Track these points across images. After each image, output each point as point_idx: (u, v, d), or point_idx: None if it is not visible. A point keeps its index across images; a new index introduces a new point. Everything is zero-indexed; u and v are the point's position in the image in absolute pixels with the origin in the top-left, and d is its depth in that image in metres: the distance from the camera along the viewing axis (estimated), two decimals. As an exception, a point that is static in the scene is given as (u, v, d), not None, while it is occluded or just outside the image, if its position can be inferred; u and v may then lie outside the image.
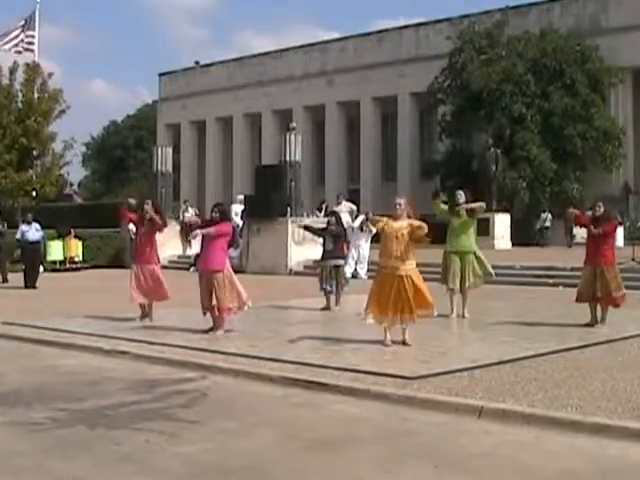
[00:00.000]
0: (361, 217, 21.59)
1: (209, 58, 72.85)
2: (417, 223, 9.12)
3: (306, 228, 14.66)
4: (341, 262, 13.38)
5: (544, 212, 32.95)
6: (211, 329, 10.43)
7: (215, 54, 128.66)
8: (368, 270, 20.15)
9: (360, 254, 20.79)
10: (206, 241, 10.55)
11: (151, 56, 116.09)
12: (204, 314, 10.57)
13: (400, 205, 9.27)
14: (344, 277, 13.38)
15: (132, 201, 12.58)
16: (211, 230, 10.47)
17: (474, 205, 11.92)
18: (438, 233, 11.74)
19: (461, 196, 12.14)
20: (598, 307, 10.91)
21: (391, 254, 9.09)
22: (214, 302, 10.33)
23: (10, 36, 33.73)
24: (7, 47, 33.66)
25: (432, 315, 9.36)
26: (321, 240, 13.80)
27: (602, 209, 10.96)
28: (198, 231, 10.66)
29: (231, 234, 10.88)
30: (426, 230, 9.08)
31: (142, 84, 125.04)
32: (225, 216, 10.82)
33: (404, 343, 9.14)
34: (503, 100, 33.40)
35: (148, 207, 11.78)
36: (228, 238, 10.73)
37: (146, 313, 11.79)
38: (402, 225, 9.13)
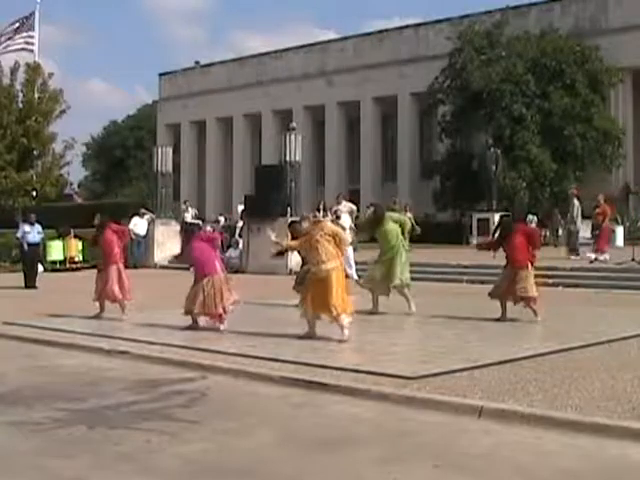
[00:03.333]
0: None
1: (205, 58, 72.92)
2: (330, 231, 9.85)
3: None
4: None
5: (529, 214, 33.00)
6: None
7: (212, 54, 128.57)
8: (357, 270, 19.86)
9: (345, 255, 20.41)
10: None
11: (148, 56, 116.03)
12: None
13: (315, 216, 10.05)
14: None
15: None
16: None
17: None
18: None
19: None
20: (509, 304, 11.53)
21: (312, 261, 9.83)
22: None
23: (6, 38, 33.70)
24: (6, 50, 33.64)
25: (350, 313, 9.71)
26: None
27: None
28: None
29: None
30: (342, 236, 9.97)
31: (139, 84, 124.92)
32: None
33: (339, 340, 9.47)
34: (503, 100, 33.39)
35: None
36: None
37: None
38: (320, 233, 9.77)
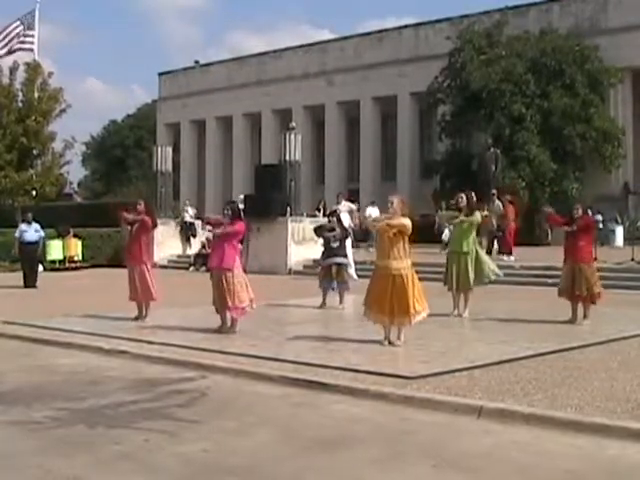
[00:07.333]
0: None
1: (202, 57, 72.81)
2: (398, 223, 9.05)
3: (318, 229, 14.58)
4: (345, 261, 13.60)
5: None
6: (219, 328, 10.48)
7: (210, 53, 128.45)
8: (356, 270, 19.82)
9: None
10: (217, 240, 10.60)
11: (147, 55, 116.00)
12: (217, 312, 10.60)
13: (392, 204, 9.22)
14: (347, 275, 13.60)
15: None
16: (228, 229, 10.44)
17: (471, 219, 12.02)
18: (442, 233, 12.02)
19: (462, 199, 12.22)
20: (579, 304, 11.15)
21: (384, 254, 9.11)
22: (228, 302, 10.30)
23: (5, 39, 33.60)
24: (6, 50, 33.54)
25: (423, 316, 9.24)
26: (321, 239, 13.98)
27: (580, 211, 11.35)
28: (217, 231, 10.61)
29: (243, 232, 10.88)
30: (407, 231, 9.06)
31: (138, 83, 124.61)
32: (237, 215, 10.75)
33: (394, 343, 9.11)
34: (503, 100, 33.37)
35: (141, 207, 11.89)
36: (240, 237, 10.76)
37: (140, 313, 11.86)
38: (394, 224, 9.08)
